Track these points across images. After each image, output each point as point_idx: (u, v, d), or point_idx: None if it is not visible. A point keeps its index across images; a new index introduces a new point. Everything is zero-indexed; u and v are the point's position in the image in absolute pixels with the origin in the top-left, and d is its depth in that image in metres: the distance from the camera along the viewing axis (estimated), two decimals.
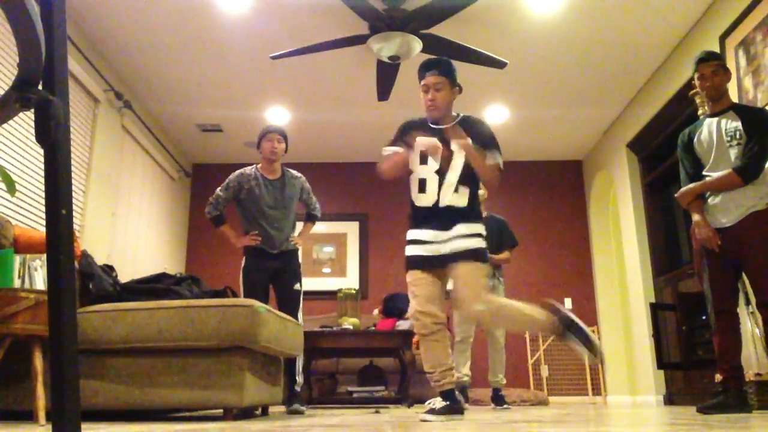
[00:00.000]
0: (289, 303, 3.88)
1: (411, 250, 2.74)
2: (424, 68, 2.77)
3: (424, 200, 2.74)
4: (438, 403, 2.65)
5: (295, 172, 4.10)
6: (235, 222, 4.05)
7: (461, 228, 2.67)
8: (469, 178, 2.72)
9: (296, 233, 4.10)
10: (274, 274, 3.93)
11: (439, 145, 2.70)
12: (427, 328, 2.63)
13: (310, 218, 4.22)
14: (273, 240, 3.91)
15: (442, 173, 2.72)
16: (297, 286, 3.96)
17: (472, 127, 2.77)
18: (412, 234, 2.76)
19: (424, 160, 2.75)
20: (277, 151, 3.95)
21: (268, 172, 3.99)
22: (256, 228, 3.91)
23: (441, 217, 2.70)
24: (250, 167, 4.02)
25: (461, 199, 2.70)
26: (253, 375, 2.72)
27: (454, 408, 2.60)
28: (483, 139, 2.74)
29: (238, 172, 3.99)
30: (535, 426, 2.07)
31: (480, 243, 2.68)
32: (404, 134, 2.83)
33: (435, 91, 2.73)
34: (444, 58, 2.82)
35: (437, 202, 2.71)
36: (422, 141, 2.73)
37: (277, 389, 3.25)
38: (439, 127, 2.78)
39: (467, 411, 3.63)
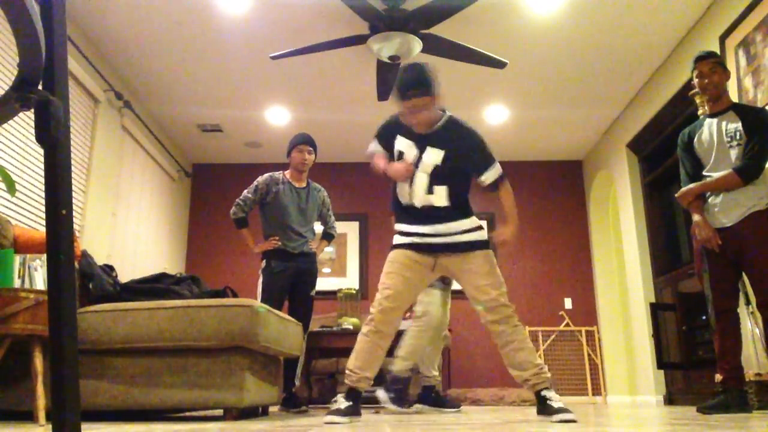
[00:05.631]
0: (302, 308, 4.02)
1: (399, 238, 2.73)
2: (405, 88, 2.54)
3: (405, 197, 2.72)
4: (342, 402, 2.57)
5: (317, 185, 4.23)
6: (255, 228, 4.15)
7: (452, 226, 2.66)
8: (443, 178, 2.65)
9: (313, 245, 4.18)
10: (296, 274, 4.00)
11: (409, 170, 2.63)
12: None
13: (327, 236, 4.29)
14: (294, 242, 4.00)
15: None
16: (312, 293, 4.09)
17: (459, 134, 2.66)
18: (401, 227, 2.75)
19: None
20: (307, 162, 4.09)
21: (296, 180, 4.13)
22: (278, 232, 3.99)
23: (424, 216, 2.68)
24: (278, 172, 4.14)
25: (439, 200, 2.66)
26: (253, 375, 2.72)
27: (354, 409, 2.55)
28: (472, 150, 2.66)
29: (267, 175, 4.10)
30: (535, 426, 2.07)
31: (482, 235, 2.67)
32: (385, 138, 2.77)
33: (420, 111, 2.57)
34: (423, 74, 2.55)
35: (414, 203, 2.69)
36: (394, 170, 2.64)
37: (277, 389, 3.25)
38: (421, 133, 2.67)
39: (461, 413, 3.62)
